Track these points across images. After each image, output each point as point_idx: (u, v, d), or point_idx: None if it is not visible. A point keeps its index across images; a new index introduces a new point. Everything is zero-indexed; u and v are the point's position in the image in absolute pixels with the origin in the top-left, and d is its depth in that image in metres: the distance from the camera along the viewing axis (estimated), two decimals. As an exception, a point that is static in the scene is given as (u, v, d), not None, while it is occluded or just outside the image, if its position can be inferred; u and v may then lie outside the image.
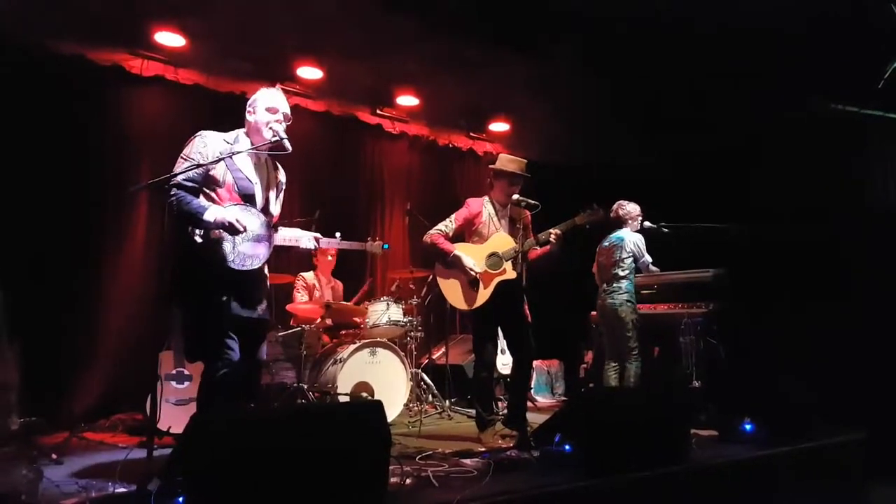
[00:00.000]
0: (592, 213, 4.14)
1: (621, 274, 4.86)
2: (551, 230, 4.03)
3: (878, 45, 3.89)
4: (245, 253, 2.91)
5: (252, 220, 2.94)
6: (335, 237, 3.34)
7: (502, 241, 4.11)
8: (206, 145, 2.94)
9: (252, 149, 3.02)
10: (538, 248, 4.08)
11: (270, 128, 3.02)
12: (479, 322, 4.17)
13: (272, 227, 3.08)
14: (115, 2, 4.52)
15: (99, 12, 4.58)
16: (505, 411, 4.32)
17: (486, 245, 4.13)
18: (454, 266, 4.11)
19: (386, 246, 3.71)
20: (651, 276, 5.22)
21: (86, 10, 4.53)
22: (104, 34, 4.87)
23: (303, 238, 3.21)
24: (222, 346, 2.87)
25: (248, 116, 3.10)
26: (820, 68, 4.63)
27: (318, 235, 3.26)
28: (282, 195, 3.25)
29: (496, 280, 4.05)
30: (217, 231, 2.85)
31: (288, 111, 3.12)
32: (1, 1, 4.22)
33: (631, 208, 5.03)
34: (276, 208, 3.17)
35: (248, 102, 3.12)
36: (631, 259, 4.88)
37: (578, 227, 4.11)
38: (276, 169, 3.22)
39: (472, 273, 4.04)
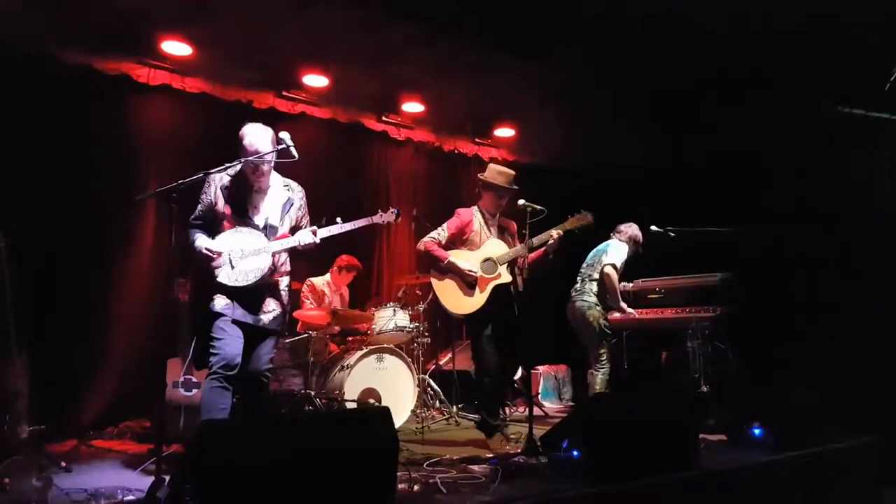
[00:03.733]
0: (581, 218, 4.17)
1: (595, 276, 4.85)
2: (552, 230, 4.05)
3: (886, 47, 3.87)
4: (246, 269, 3.09)
5: (245, 239, 3.10)
6: (336, 223, 3.28)
7: (496, 247, 4.15)
8: (210, 185, 3.17)
9: (255, 158, 3.07)
10: (532, 252, 4.10)
11: (252, 165, 3.08)
12: (476, 326, 4.17)
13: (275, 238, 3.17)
14: (122, 11, 4.55)
15: (106, 22, 4.62)
16: (514, 416, 4.32)
17: (480, 251, 4.17)
18: (449, 272, 4.12)
19: (396, 211, 3.49)
20: (649, 281, 5.21)
21: (93, 20, 4.57)
22: (111, 44, 4.89)
23: (298, 236, 3.21)
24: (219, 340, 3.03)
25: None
26: (827, 70, 4.61)
27: (315, 228, 3.25)
28: (293, 212, 3.28)
29: (491, 284, 4.07)
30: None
31: (267, 146, 3.08)
32: (10, 12, 4.26)
33: (625, 227, 5.03)
34: (281, 226, 3.22)
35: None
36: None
37: (568, 232, 4.13)
38: (286, 188, 3.28)
39: (471, 274, 4.06)
